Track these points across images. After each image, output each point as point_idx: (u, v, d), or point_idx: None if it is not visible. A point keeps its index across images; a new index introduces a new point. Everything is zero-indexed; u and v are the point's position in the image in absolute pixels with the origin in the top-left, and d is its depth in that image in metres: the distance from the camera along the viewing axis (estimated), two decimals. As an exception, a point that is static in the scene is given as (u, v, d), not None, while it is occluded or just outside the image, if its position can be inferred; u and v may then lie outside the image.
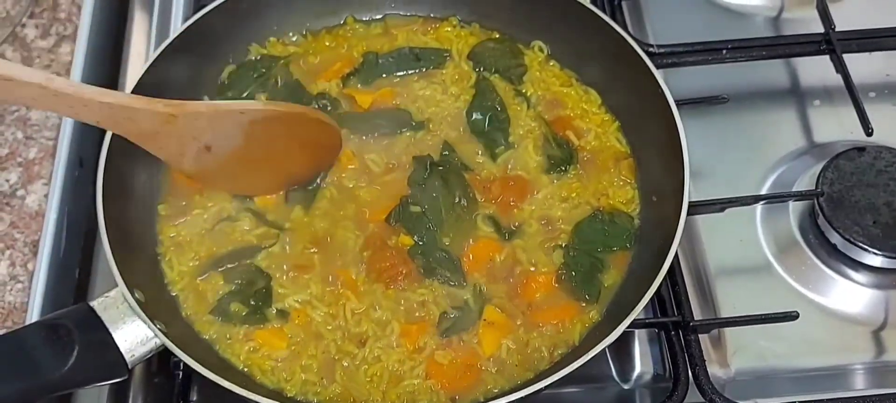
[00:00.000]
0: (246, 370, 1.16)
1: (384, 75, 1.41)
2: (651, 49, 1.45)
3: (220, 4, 1.36)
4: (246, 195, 1.26)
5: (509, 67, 1.41)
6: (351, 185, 1.30)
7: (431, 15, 1.48)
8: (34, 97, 0.98)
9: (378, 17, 1.48)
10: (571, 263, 1.23)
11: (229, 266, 1.22)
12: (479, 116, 1.36)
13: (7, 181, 1.38)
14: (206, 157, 1.13)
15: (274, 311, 1.19)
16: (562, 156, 1.32)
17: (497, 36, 1.45)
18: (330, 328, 1.18)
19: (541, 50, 1.43)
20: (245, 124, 1.12)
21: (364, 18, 1.47)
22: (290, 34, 1.45)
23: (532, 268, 1.23)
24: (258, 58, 1.41)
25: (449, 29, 1.46)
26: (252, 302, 1.19)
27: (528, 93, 1.39)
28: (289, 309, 1.19)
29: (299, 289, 1.21)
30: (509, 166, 1.32)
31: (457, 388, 1.15)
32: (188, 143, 1.11)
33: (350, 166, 1.31)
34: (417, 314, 1.19)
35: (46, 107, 0.99)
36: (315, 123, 1.23)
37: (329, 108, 1.36)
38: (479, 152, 1.34)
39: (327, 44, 1.44)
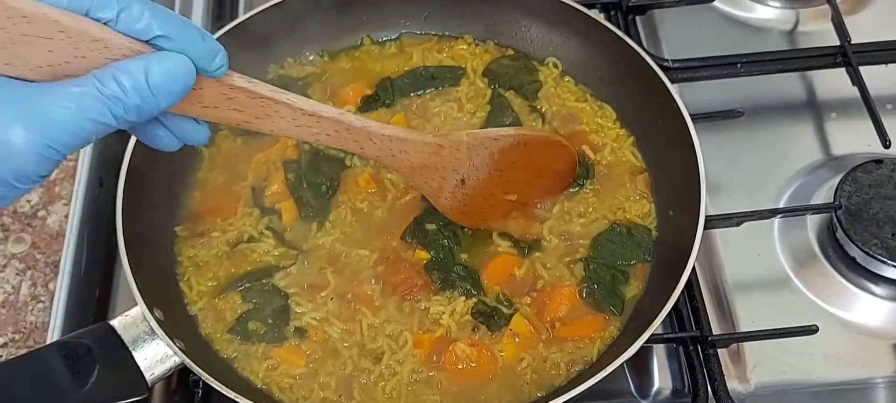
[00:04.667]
0: (264, 387, 1.16)
1: (400, 97, 1.41)
2: (666, 64, 1.45)
3: (236, 25, 1.38)
4: (486, 227, 1.27)
5: (524, 84, 1.42)
6: (365, 206, 1.30)
7: (446, 33, 1.48)
8: (328, 133, 1.03)
9: (394, 36, 1.49)
10: (593, 276, 1.23)
11: (247, 285, 1.23)
12: None
13: (28, 201, 1.39)
14: (460, 192, 1.19)
15: (292, 329, 1.20)
16: (577, 172, 1.32)
17: (511, 53, 1.46)
18: (347, 344, 1.19)
19: (555, 66, 1.44)
20: (495, 153, 1.19)
21: (380, 38, 1.48)
22: (308, 54, 1.46)
23: (555, 282, 1.23)
24: (276, 78, 1.43)
25: (464, 47, 1.47)
26: (270, 321, 1.20)
27: (543, 109, 1.40)
28: (306, 326, 1.20)
29: (316, 307, 1.21)
30: None
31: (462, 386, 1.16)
32: (448, 176, 1.17)
33: (368, 189, 1.32)
34: (430, 325, 1.20)
35: (337, 143, 1.04)
36: (556, 147, 1.27)
37: None
38: None
39: (344, 65, 1.46)
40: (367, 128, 1.06)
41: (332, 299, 1.22)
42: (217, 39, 1.33)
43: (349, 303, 1.21)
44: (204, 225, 1.29)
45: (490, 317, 1.20)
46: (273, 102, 0.95)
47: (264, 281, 1.23)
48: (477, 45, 1.47)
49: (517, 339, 1.18)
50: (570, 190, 1.31)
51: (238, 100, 0.92)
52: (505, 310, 1.21)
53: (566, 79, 1.43)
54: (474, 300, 1.21)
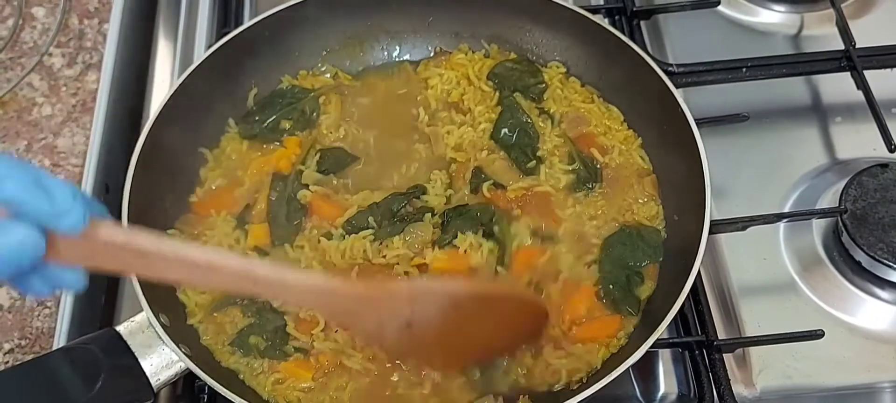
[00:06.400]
0: (271, 400, 1.16)
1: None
2: (670, 68, 1.45)
3: (241, 32, 1.38)
4: (443, 371, 1.16)
5: (529, 86, 1.42)
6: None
7: (442, 48, 1.47)
8: (234, 284, 0.97)
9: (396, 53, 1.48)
10: (608, 277, 1.23)
11: (246, 301, 1.21)
12: (508, 132, 1.37)
13: (34, 208, 1.39)
14: (405, 335, 1.05)
15: (292, 348, 1.18)
16: (588, 175, 1.32)
17: (514, 57, 1.45)
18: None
19: (558, 68, 1.43)
20: (446, 302, 1.05)
21: (383, 53, 1.47)
22: (321, 66, 1.45)
23: (577, 280, 1.23)
24: (289, 87, 1.42)
25: (461, 56, 1.45)
26: (269, 340, 1.18)
27: (552, 111, 1.39)
28: (305, 347, 1.18)
29: (310, 328, 1.19)
30: (540, 180, 1.32)
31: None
32: (388, 322, 1.04)
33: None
34: None
35: (247, 293, 1.01)
36: (521, 304, 1.15)
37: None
38: (510, 167, 1.34)
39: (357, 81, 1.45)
40: (283, 280, 0.95)
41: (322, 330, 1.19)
42: (223, 45, 1.34)
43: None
44: (199, 227, 1.28)
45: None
46: (158, 257, 0.86)
47: (260, 300, 1.21)
48: (473, 52, 1.46)
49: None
50: (581, 193, 1.31)
51: (114, 254, 0.84)
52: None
53: (571, 79, 1.43)
54: None
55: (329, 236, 1.26)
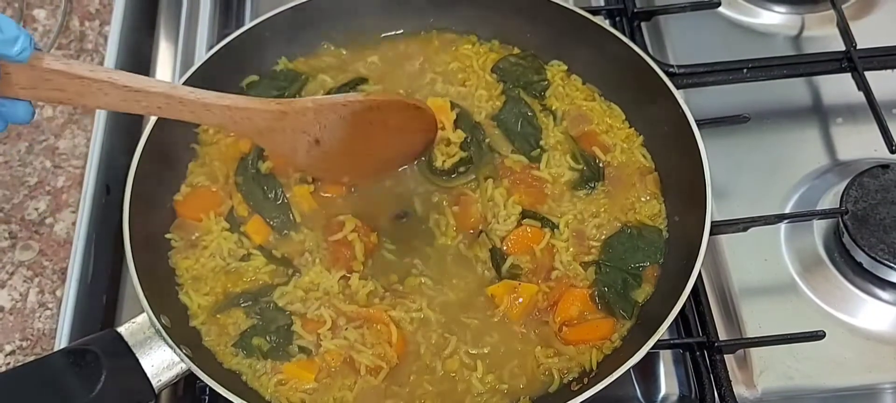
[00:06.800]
0: (273, 401, 1.16)
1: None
2: (671, 69, 1.45)
3: (242, 33, 1.38)
4: (354, 182, 1.30)
5: (532, 82, 1.42)
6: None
7: (451, 28, 1.47)
8: (159, 106, 1.05)
9: (399, 32, 1.48)
10: (604, 279, 1.23)
11: (249, 303, 1.22)
12: (512, 119, 1.38)
13: (36, 209, 1.40)
14: (316, 151, 1.20)
15: (296, 348, 1.19)
16: (590, 174, 1.33)
17: (517, 51, 1.45)
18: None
19: (560, 65, 1.44)
20: (347, 115, 1.20)
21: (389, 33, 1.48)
22: (325, 45, 1.46)
23: (571, 279, 1.23)
24: (282, 70, 1.43)
25: (468, 47, 1.46)
26: (274, 339, 1.19)
27: (554, 108, 1.40)
28: (309, 347, 1.19)
29: (317, 327, 1.20)
30: (541, 167, 1.33)
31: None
32: (299, 138, 1.18)
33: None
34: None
35: (171, 115, 1.07)
36: (411, 109, 1.28)
37: None
38: (511, 150, 1.35)
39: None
40: (203, 100, 1.08)
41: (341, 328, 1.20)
42: (221, 48, 1.34)
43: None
44: (195, 234, 1.28)
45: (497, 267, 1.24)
46: (93, 81, 0.98)
47: (264, 299, 1.22)
48: (481, 43, 1.47)
49: (520, 300, 1.20)
50: (583, 192, 1.31)
51: (55, 80, 0.95)
52: (505, 274, 1.23)
53: (573, 77, 1.43)
54: None
55: (307, 180, 1.30)
